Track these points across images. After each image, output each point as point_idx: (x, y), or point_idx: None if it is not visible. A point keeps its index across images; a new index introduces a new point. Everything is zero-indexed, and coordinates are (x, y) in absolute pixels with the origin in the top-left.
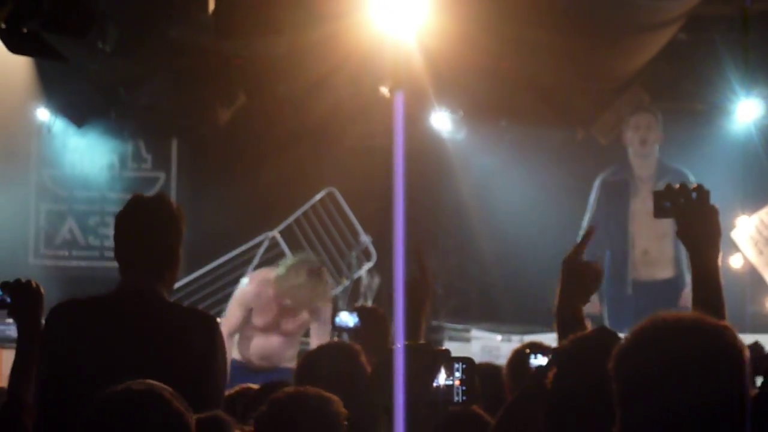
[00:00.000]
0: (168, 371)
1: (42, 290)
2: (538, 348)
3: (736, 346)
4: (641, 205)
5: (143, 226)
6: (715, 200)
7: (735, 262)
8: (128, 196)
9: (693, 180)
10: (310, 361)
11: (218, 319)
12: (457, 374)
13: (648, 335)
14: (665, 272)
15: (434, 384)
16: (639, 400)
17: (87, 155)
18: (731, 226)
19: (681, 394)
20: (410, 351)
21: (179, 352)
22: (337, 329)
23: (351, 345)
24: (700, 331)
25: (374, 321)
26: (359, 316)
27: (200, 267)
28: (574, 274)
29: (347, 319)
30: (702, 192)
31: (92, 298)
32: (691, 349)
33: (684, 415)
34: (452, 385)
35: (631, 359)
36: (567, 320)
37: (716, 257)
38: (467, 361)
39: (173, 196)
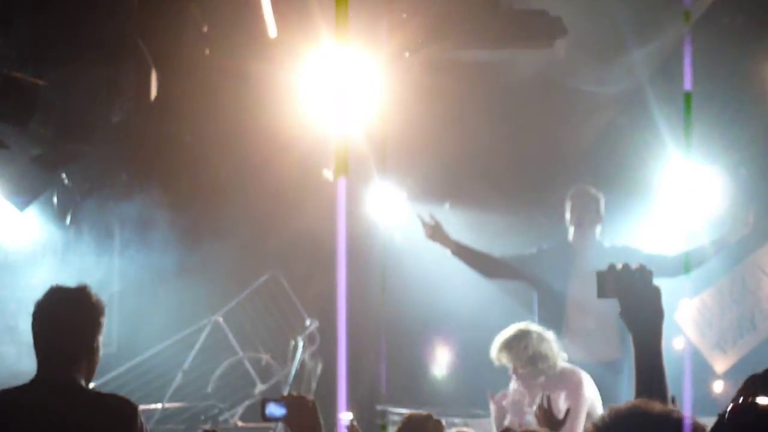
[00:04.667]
0: None
1: None
2: None
3: None
4: (581, 285)
5: (61, 319)
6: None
7: (677, 343)
8: (72, 282)
9: (641, 250)
10: None
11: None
12: None
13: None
14: (607, 354)
15: None
16: None
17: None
18: (674, 308)
19: None
20: None
21: None
22: (268, 420)
23: None
24: (673, 423)
25: (302, 408)
26: (287, 405)
27: (142, 352)
28: None
29: (275, 409)
30: (644, 273)
31: (6, 392)
32: None
33: None
34: None
35: None
36: None
37: (659, 338)
38: None
39: (116, 282)
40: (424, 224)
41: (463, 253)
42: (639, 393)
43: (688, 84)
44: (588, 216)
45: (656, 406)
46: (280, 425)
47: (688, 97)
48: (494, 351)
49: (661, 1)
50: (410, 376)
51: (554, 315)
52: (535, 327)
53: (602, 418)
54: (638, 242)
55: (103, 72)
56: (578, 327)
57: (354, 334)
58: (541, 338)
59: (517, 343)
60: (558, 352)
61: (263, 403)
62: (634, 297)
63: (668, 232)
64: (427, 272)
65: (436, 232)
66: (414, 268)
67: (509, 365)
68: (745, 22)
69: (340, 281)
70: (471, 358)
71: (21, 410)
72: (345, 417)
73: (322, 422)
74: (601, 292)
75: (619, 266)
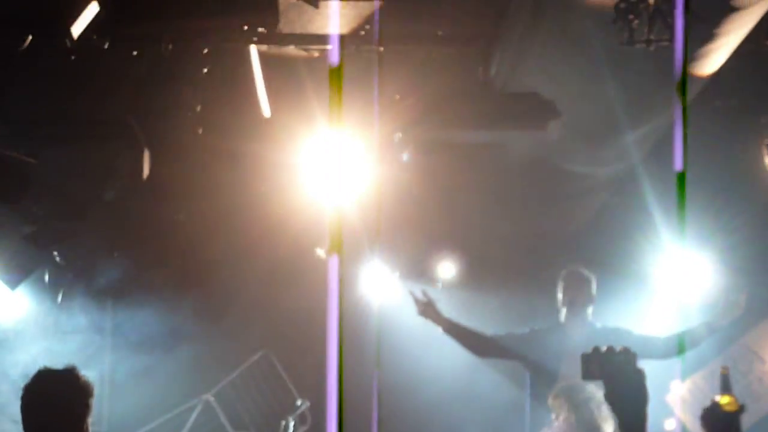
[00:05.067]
0: None
1: None
2: None
3: None
4: (573, 365)
5: (49, 402)
6: (649, 366)
7: (668, 425)
8: (62, 361)
9: (632, 331)
10: None
11: None
12: None
13: None
14: None
15: None
16: None
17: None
18: (665, 390)
19: None
20: None
21: None
22: None
23: None
24: None
25: None
26: None
27: (133, 431)
28: None
29: None
30: (629, 355)
31: None
32: None
33: None
34: None
35: None
36: None
37: (644, 422)
38: None
39: (108, 359)
40: (417, 301)
41: (454, 331)
42: None
43: (680, 165)
44: (580, 297)
45: None
46: None
47: (681, 177)
48: (551, 397)
49: (654, 84)
50: None
51: (547, 395)
52: (593, 389)
53: None
54: (630, 324)
55: (96, 151)
56: None
57: (347, 415)
58: (589, 399)
59: (566, 391)
60: (604, 419)
61: None
62: (619, 380)
63: (661, 314)
64: (420, 350)
65: (428, 310)
66: (408, 346)
67: (553, 412)
68: (738, 106)
69: (331, 361)
70: None
71: None
72: None
73: None
74: (586, 375)
75: (604, 349)
